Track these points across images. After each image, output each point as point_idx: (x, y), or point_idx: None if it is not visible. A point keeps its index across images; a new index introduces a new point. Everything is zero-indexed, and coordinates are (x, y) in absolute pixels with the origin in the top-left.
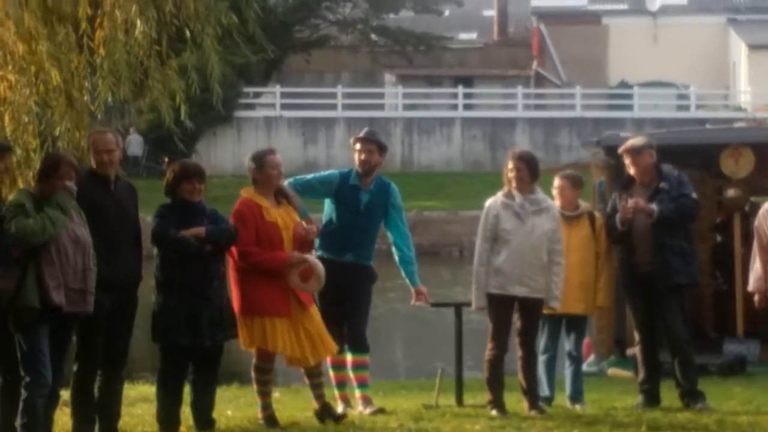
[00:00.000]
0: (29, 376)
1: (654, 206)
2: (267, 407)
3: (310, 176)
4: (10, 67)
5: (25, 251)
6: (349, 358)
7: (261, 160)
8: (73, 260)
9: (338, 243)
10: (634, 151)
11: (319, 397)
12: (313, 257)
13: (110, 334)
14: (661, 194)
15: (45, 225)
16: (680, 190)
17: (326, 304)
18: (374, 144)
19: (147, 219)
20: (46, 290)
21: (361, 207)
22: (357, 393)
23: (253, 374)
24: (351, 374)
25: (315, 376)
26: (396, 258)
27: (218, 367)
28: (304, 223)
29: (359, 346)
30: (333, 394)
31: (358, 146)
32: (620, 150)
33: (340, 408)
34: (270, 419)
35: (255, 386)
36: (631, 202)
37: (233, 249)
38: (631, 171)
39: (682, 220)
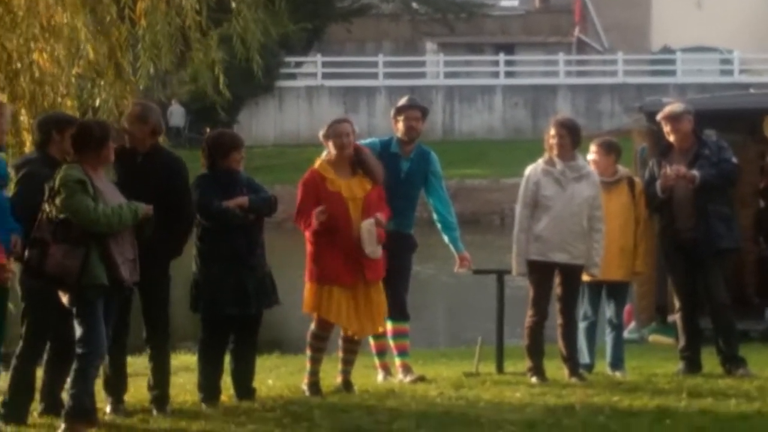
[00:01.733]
0: (87, 349)
1: (695, 172)
2: (314, 374)
3: None
4: (52, 40)
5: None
6: (389, 326)
7: (329, 128)
8: (126, 231)
9: None
10: (673, 118)
11: (346, 372)
12: (369, 221)
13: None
14: (701, 160)
15: (111, 222)
16: (720, 155)
17: None
18: (419, 110)
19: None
20: (114, 266)
21: (401, 175)
22: (397, 361)
23: (308, 339)
24: (391, 342)
25: (351, 352)
26: (438, 225)
27: (257, 335)
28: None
29: (400, 314)
30: (373, 363)
31: (401, 116)
32: (659, 117)
33: (380, 376)
34: (314, 386)
35: (308, 351)
36: (672, 169)
37: (295, 218)
38: (670, 138)
39: (724, 186)
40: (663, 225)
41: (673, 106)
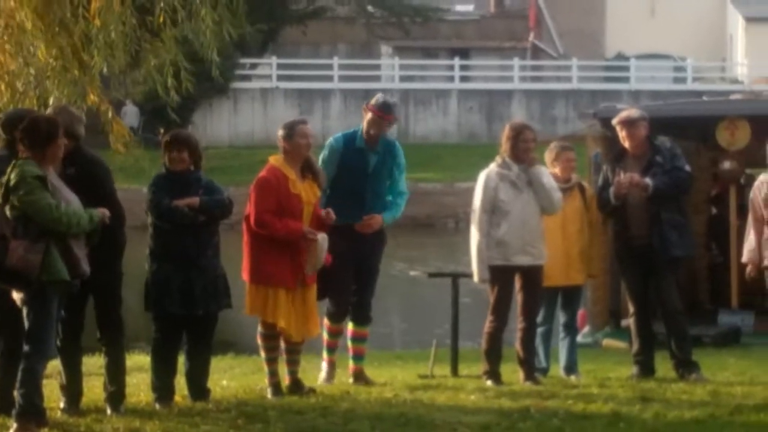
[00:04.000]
0: (35, 346)
1: (648, 181)
2: (274, 374)
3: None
4: (6, 37)
5: None
6: (350, 328)
7: (291, 129)
8: None
9: (350, 207)
10: (629, 123)
11: (293, 373)
12: (323, 236)
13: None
14: (654, 167)
15: (71, 222)
16: (673, 162)
17: (338, 269)
18: (393, 118)
19: (143, 190)
20: (75, 261)
21: (369, 169)
22: (351, 365)
23: (259, 342)
24: (350, 345)
25: (294, 352)
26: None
27: (212, 337)
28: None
29: (364, 318)
30: (315, 363)
31: (369, 116)
32: (614, 121)
33: (323, 372)
34: (276, 387)
35: (262, 354)
36: (626, 177)
37: (251, 215)
38: (625, 143)
39: (677, 194)
40: (616, 230)
41: (629, 112)
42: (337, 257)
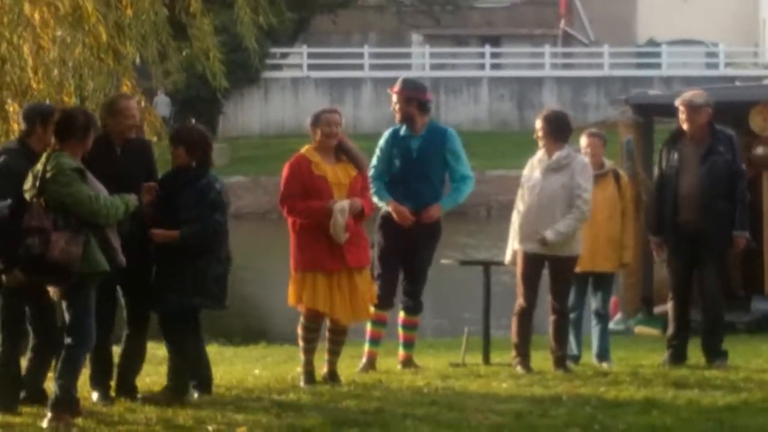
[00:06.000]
0: (77, 338)
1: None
2: (309, 363)
3: (373, 171)
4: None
5: None
6: (401, 316)
7: (317, 117)
8: None
9: (397, 194)
10: (692, 108)
11: (332, 363)
12: (341, 204)
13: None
14: (715, 155)
15: (109, 213)
16: (735, 160)
17: (385, 257)
18: (417, 93)
19: None
20: (114, 252)
21: (413, 154)
22: (401, 352)
23: (299, 330)
24: (400, 332)
25: (336, 342)
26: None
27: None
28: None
29: (415, 307)
30: (353, 353)
31: (394, 97)
32: (677, 102)
33: (362, 364)
34: (309, 375)
35: (300, 343)
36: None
37: (279, 201)
38: (684, 126)
39: (725, 183)
40: (666, 215)
41: (694, 95)
42: (387, 245)
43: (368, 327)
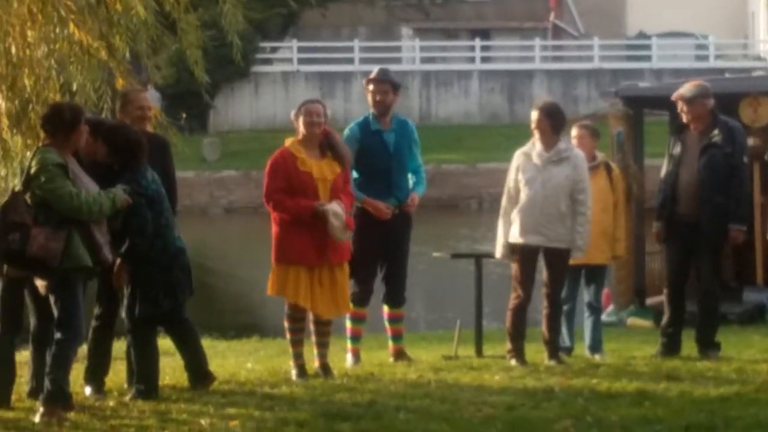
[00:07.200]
0: (66, 334)
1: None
2: (299, 356)
3: None
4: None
5: None
6: (385, 309)
7: (298, 108)
8: None
9: (380, 189)
10: (685, 100)
11: (322, 356)
12: (334, 204)
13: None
14: (714, 148)
15: (92, 210)
16: (735, 153)
17: (363, 253)
18: (388, 84)
19: None
20: (97, 248)
21: (390, 148)
22: (391, 345)
23: (285, 323)
24: (387, 326)
25: (324, 334)
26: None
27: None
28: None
29: (398, 299)
30: (344, 346)
31: (371, 87)
32: (673, 96)
33: (348, 362)
34: (301, 369)
35: (287, 335)
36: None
37: (263, 197)
38: (683, 119)
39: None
40: (664, 205)
41: (687, 88)
42: (364, 241)
43: (348, 324)
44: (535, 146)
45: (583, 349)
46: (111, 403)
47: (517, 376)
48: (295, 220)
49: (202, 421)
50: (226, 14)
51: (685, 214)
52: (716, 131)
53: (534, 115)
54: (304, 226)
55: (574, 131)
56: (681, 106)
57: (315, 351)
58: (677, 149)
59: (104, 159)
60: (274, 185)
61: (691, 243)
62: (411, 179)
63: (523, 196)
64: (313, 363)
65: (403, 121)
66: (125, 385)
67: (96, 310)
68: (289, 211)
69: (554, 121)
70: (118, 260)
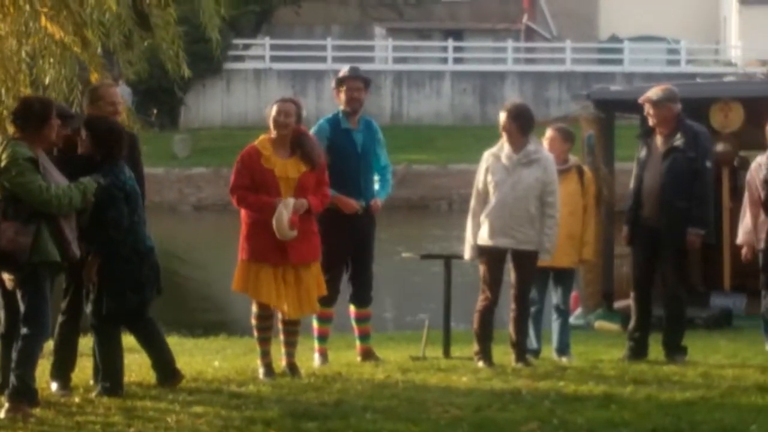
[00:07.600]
0: (34, 329)
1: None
2: (266, 355)
3: None
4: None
5: None
6: (352, 309)
7: (272, 105)
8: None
9: (347, 189)
10: (652, 103)
11: (289, 355)
12: (286, 201)
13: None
14: (676, 152)
15: (62, 204)
16: (698, 157)
17: (330, 254)
18: (360, 81)
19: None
20: (66, 243)
21: (358, 149)
22: (359, 345)
23: (252, 321)
24: (354, 325)
25: (291, 333)
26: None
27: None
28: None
29: (364, 299)
30: (312, 345)
31: (343, 86)
32: (640, 99)
33: (316, 362)
34: (268, 368)
35: (255, 333)
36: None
37: (229, 192)
38: (650, 122)
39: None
40: (629, 209)
41: (653, 91)
42: (330, 242)
43: (315, 324)
44: (503, 148)
45: (550, 352)
46: (77, 400)
47: (484, 378)
48: (258, 216)
49: (169, 419)
50: (205, 10)
51: (648, 218)
52: (679, 135)
53: (501, 117)
54: (267, 223)
55: (547, 132)
56: (648, 109)
57: (282, 350)
58: (643, 153)
59: (86, 150)
60: (239, 181)
61: (654, 247)
62: (376, 180)
63: (493, 198)
64: (281, 362)
65: (368, 121)
66: (91, 382)
67: (62, 305)
68: (251, 206)
69: (521, 123)
70: (90, 254)
